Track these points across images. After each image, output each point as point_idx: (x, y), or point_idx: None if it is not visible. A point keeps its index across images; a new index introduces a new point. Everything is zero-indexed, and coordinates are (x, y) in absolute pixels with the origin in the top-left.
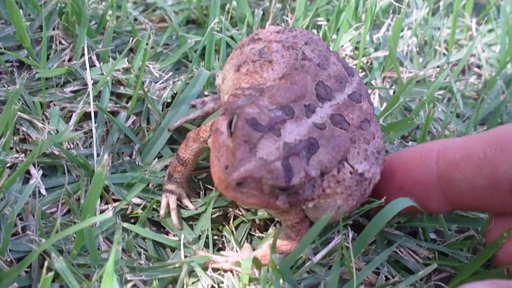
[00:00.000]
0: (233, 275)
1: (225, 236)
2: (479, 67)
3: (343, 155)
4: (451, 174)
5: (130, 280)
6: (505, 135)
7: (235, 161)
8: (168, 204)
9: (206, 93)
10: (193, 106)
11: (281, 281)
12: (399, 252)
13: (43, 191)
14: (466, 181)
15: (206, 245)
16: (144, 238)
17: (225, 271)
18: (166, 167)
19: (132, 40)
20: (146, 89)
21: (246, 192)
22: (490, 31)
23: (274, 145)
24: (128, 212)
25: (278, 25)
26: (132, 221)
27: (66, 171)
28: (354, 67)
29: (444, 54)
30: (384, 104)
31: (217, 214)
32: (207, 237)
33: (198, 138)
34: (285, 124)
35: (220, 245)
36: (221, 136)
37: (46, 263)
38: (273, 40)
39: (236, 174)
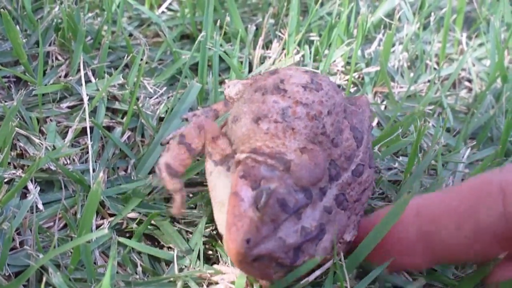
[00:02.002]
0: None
1: (219, 252)
2: (469, 81)
3: (341, 237)
4: (433, 231)
5: None
6: (481, 184)
7: (259, 237)
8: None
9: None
10: (185, 120)
11: None
12: None
13: (40, 206)
14: (449, 236)
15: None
16: (139, 252)
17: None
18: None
19: (127, 56)
20: (140, 105)
21: (255, 266)
22: (480, 45)
23: (294, 227)
24: (123, 226)
25: (302, 66)
26: (128, 235)
27: (63, 186)
28: (349, 91)
29: (435, 68)
30: (376, 119)
31: (210, 228)
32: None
33: (208, 144)
34: (306, 208)
35: (215, 260)
36: (241, 203)
37: (44, 279)
38: (299, 102)
39: (256, 251)
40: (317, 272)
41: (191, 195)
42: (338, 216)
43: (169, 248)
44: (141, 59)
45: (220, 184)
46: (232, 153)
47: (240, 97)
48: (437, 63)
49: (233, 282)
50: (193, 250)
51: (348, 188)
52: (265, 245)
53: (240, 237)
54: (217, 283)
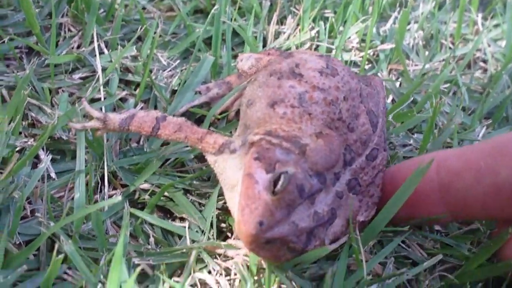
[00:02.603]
0: (241, 264)
1: (232, 226)
2: (485, 61)
3: (353, 220)
4: (452, 184)
5: (138, 265)
6: (503, 142)
7: (273, 220)
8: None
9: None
10: (198, 93)
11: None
12: (404, 246)
13: (53, 175)
14: (467, 189)
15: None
16: (152, 224)
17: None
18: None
19: (141, 28)
20: (154, 77)
21: (267, 248)
22: (496, 26)
23: (307, 212)
24: (136, 197)
25: (317, 42)
26: (140, 206)
27: (78, 155)
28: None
29: (450, 48)
30: (390, 96)
31: (223, 200)
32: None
33: (196, 143)
34: (320, 193)
35: (228, 233)
36: (256, 186)
37: (56, 246)
38: (316, 87)
39: (270, 234)
40: (333, 246)
41: (204, 167)
42: (350, 200)
43: (181, 220)
44: (155, 32)
45: (229, 167)
46: (236, 138)
47: (254, 79)
48: (452, 43)
49: (246, 255)
50: (206, 221)
51: (361, 172)
52: (278, 228)
53: (253, 219)
54: (231, 257)
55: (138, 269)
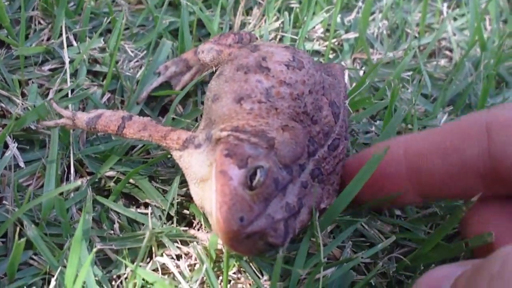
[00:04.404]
0: (200, 249)
1: (194, 212)
2: (450, 50)
3: (317, 207)
4: (420, 165)
5: (102, 249)
6: (468, 123)
7: (252, 215)
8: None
9: None
10: (158, 74)
11: None
12: (365, 230)
13: (22, 164)
14: (435, 170)
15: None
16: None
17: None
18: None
19: (107, 20)
20: (120, 67)
21: (245, 243)
22: (462, 15)
23: (280, 203)
24: (102, 184)
25: (279, 40)
26: (106, 193)
27: (51, 144)
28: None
29: (415, 37)
30: (354, 84)
31: (187, 188)
32: (176, 210)
33: (160, 141)
34: (289, 184)
35: (190, 219)
36: (231, 182)
37: (17, 230)
38: (283, 81)
39: (250, 228)
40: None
41: (169, 156)
42: (314, 189)
43: (146, 206)
44: (121, 24)
45: (195, 162)
46: (198, 133)
47: (220, 73)
48: (419, 32)
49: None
50: (169, 208)
51: (323, 162)
52: (257, 222)
53: (233, 216)
54: (190, 241)
55: (94, 250)
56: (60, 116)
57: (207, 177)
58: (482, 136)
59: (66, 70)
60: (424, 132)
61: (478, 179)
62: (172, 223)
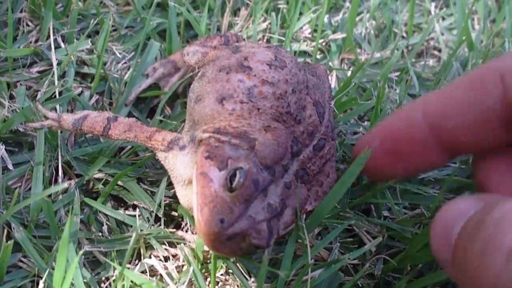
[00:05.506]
0: (187, 251)
1: (182, 214)
2: (439, 50)
3: (302, 208)
4: (442, 124)
5: (90, 252)
6: (480, 75)
7: (232, 216)
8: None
9: None
10: (146, 75)
11: None
12: (353, 232)
13: (10, 166)
14: (457, 126)
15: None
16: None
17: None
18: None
19: (94, 22)
20: (108, 69)
21: (227, 245)
22: (450, 15)
23: (261, 204)
24: (90, 187)
25: (267, 41)
26: (95, 196)
27: (37, 147)
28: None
29: (403, 37)
30: (341, 85)
31: (175, 189)
32: (164, 212)
33: (146, 142)
34: (271, 185)
35: (178, 221)
36: (211, 184)
37: (5, 232)
38: (265, 80)
39: (231, 230)
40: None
41: (157, 157)
42: (298, 190)
43: (134, 207)
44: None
45: (179, 163)
46: (183, 134)
47: (203, 74)
48: (407, 32)
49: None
50: (157, 210)
51: (309, 162)
52: (238, 224)
53: (214, 218)
54: (178, 243)
55: (81, 252)
56: (46, 118)
57: (192, 179)
58: (497, 85)
59: (54, 72)
60: (438, 91)
61: (501, 128)
62: (160, 225)
